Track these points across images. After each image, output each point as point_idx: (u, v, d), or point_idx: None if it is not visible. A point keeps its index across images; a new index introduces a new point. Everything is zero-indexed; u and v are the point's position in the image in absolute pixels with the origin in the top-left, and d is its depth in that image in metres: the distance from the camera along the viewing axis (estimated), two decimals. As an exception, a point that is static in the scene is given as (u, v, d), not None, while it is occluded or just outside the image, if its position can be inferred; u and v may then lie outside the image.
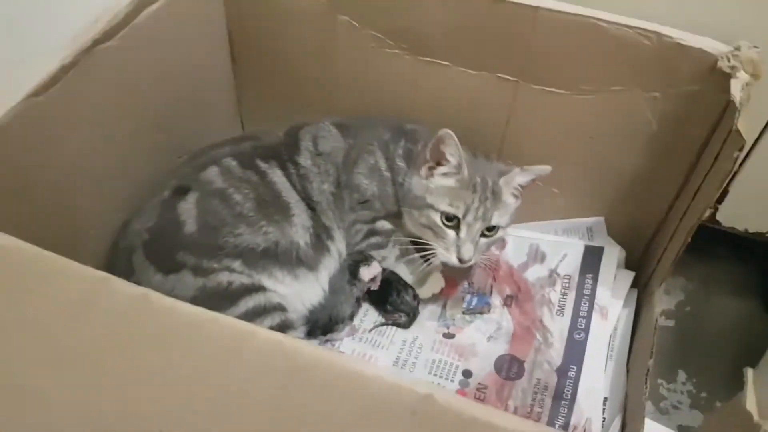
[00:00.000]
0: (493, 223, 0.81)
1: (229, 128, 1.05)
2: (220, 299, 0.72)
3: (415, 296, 0.89)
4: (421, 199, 0.81)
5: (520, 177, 0.82)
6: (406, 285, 0.89)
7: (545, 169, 0.81)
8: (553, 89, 0.83)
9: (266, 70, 0.99)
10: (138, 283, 0.71)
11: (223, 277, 0.74)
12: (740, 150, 0.64)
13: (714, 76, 0.72)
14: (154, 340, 0.42)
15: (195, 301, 0.71)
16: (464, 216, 0.79)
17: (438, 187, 0.81)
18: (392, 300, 0.88)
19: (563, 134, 0.88)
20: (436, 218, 0.80)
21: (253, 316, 0.73)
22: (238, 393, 0.40)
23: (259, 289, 0.75)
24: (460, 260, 0.80)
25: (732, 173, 0.86)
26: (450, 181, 0.81)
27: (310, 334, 0.84)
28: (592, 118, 0.84)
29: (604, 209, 0.95)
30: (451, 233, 0.80)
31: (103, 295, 0.43)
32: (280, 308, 0.75)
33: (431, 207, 0.80)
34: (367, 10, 0.86)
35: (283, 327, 0.74)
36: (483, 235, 0.81)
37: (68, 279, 0.44)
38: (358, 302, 0.89)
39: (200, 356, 0.41)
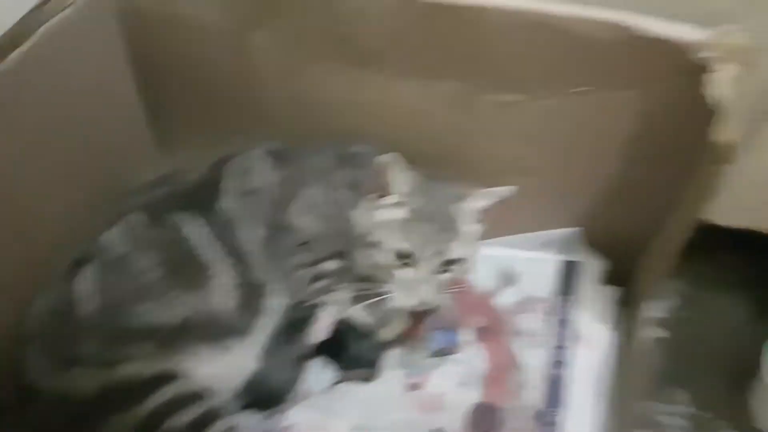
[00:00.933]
0: (454, 256, 0.70)
1: (151, 164, 0.90)
2: (128, 395, 0.61)
3: (374, 345, 0.78)
4: (369, 236, 0.70)
5: (480, 201, 0.71)
6: (362, 332, 0.78)
7: (508, 189, 0.71)
8: (509, 96, 0.71)
9: (183, 99, 0.86)
10: (36, 380, 0.62)
11: (130, 368, 0.62)
12: (729, 154, 0.52)
13: (696, 68, 0.59)
14: None
15: (100, 398, 0.60)
16: (419, 252, 0.68)
17: (386, 220, 0.70)
18: (348, 353, 0.77)
19: (526, 143, 0.76)
20: (388, 257, 0.69)
21: (168, 410, 0.61)
22: None
23: (173, 377, 0.63)
24: (420, 302, 0.69)
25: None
26: (399, 213, 0.69)
27: (251, 407, 0.73)
28: (558, 126, 0.72)
29: (580, 218, 0.84)
30: (407, 273, 0.69)
31: None
32: (201, 396, 0.63)
33: (380, 244, 0.69)
34: (285, 24, 0.73)
35: (207, 418, 0.62)
36: (443, 270, 0.70)
37: None
38: (299, 363, 0.76)
39: None
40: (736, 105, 0.56)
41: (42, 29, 0.66)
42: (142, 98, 0.87)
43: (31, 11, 0.67)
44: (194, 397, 0.63)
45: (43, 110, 0.69)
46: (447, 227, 0.69)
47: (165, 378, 0.62)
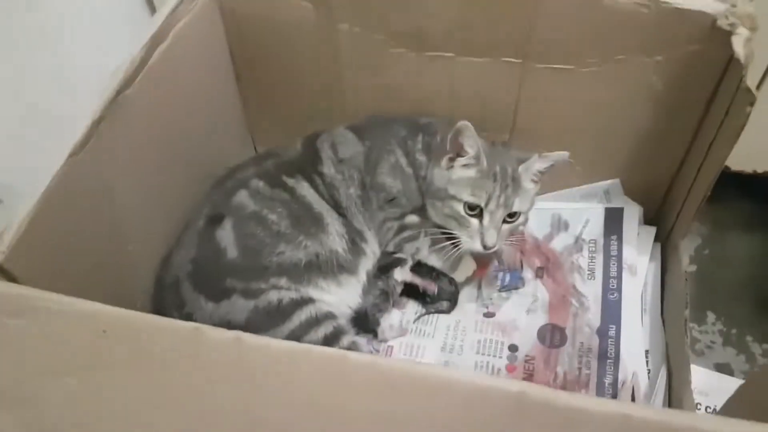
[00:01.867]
0: (515, 209, 0.83)
1: (242, 149, 1.07)
2: (273, 317, 0.76)
3: (452, 281, 0.93)
4: (444, 191, 0.84)
5: (538, 164, 0.84)
6: (439, 274, 0.93)
7: (563, 155, 0.83)
8: (558, 66, 0.85)
9: (271, 87, 1.01)
10: (191, 313, 0.76)
11: (273, 296, 0.76)
12: (751, 105, 0.67)
13: (714, 35, 0.74)
14: (252, 379, 0.45)
15: (249, 322, 0.75)
16: (486, 204, 0.81)
17: (459, 177, 0.84)
18: (431, 290, 0.91)
19: (572, 107, 0.90)
20: (459, 208, 0.82)
21: (306, 327, 0.76)
22: (341, 416, 0.43)
23: (308, 301, 0.78)
24: (485, 247, 0.82)
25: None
26: (470, 172, 0.83)
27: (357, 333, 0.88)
28: (600, 88, 0.86)
29: (619, 171, 0.98)
30: (475, 222, 0.83)
31: (195, 345, 0.46)
32: (331, 316, 0.78)
33: (454, 197, 0.83)
34: (365, 15, 0.87)
35: (337, 333, 0.77)
36: (505, 221, 0.84)
37: (156, 335, 0.46)
38: (385, 295, 0.90)
39: (299, 385, 0.44)
40: (749, 60, 0.71)
41: (161, 48, 0.76)
42: (241, 91, 1.01)
43: (153, 35, 0.76)
44: (327, 315, 0.78)
45: (165, 113, 0.81)
46: (510, 185, 0.82)
47: (301, 302, 0.77)
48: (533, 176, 0.85)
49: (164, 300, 0.80)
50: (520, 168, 0.83)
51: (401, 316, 0.92)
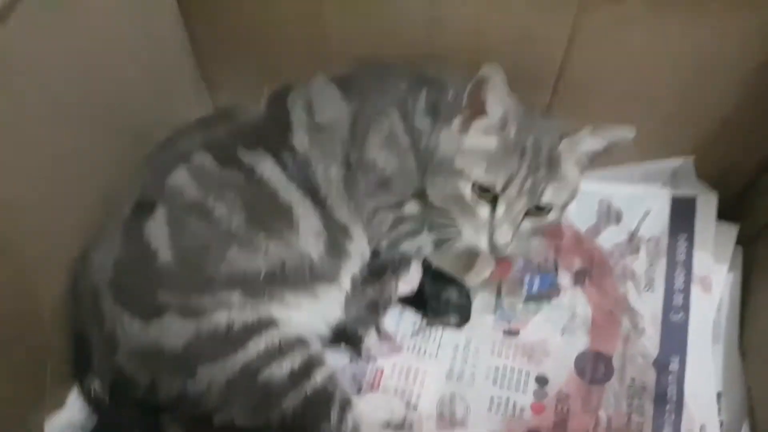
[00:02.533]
0: (545, 201, 0.59)
1: (196, 108, 0.82)
2: (221, 345, 0.56)
3: (462, 289, 0.72)
4: (449, 162, 0.61)
5: (589, 141, 0.59)
6: (445, 280, 0.72)
7: (626, 133, 0.58)
8: (633, 6, 0.61)
9: (231, 24, 0.76)
10: (112, 333, 0.56)
11: (221, 317, 0.57)
12: None
13: None
14: None
15: (189, 350, 0.55)
16: (504, 188, 0.58)
17: (473, 147, 0.60)
18: (432, 305, 0.71)
19: (643, 63, 0.67)
20: (466, 189, 0.60)
21: (266, 359, 0.56)
22: None
23: (269, 324, 0.58)
24: (492, 247, 0.60)
25: None
26: (490, 141, 0.60)
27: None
28: (686, 41, 0.64)
29: (691, 148, 0.75)
30: (484, 210, 0.60)
31: None
32: (300, 343, 0.59)
33: (461, 173, 0.60)
34: None
35: (308, 367, 0.58)
36: (528, 214, 0.61)
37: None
38: (374, 306, 0.70)
39: None
40: None
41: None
42: (188, 31, 0.78)
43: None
44: (294, 343, 0.58)
45: (62, 67, 0.60)
46: (543, 166, 0.59)
47: (259, 326, 0.57)
48: (579, 158, 0.61)
49: (81, 313, 0.61)
50: (562, 144, 0.59)
51: (394, 327, 0.72)
